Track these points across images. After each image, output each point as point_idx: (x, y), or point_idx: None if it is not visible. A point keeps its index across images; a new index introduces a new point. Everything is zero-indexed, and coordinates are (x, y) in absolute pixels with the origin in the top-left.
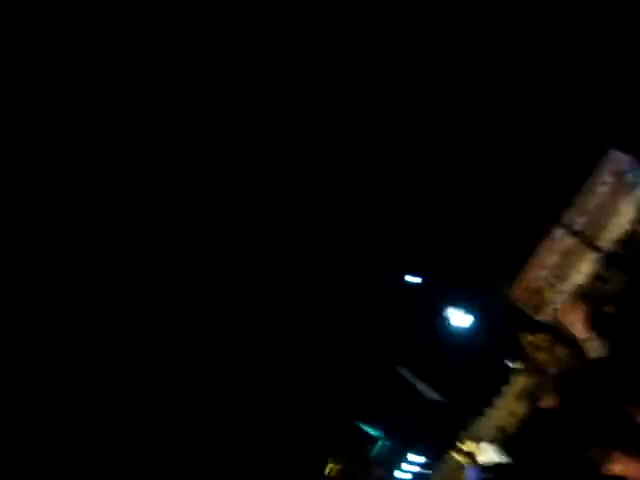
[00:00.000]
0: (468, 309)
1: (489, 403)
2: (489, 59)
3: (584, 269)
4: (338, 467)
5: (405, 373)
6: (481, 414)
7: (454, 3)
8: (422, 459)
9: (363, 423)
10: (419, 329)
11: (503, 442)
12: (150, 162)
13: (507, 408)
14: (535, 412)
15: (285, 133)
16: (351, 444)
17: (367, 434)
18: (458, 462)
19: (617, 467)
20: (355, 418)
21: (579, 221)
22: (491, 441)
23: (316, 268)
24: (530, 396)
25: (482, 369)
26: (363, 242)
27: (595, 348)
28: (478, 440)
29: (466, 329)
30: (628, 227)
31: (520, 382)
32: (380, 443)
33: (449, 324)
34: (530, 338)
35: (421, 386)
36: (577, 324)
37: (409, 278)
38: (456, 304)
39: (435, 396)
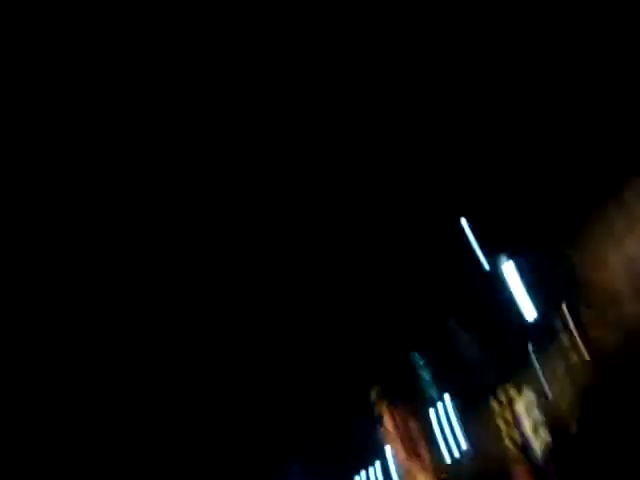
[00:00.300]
0: (524, 265)
1: (536, 360)
2: None
3: None
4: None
5: (452, 324)
6: (525, 370)
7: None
8: (455, 403)
9: (413, 353)
10: (471, 280)
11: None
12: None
13: (550, 369)
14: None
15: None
16: (399, 372)
17: (415, 364)
18: (494, 409)
19: None
20: (404, 347)
21: None
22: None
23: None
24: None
25: (532, 328)
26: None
27: None
28: (520, 389)
29: (521, 285)
30: None
31: (567, 350)
32: (426, 374)
33: (503, 279)
34: (586, 312)
35: (466, 338)
36: None
37: (464, 223)
38: (513, 258)
39: (476, 351)
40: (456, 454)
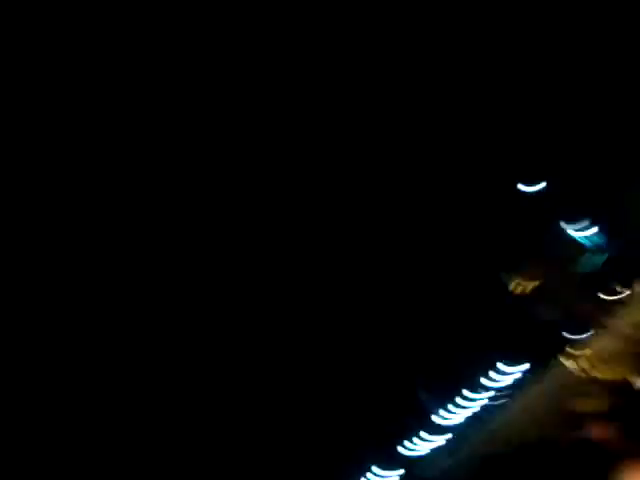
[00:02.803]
0: (591, 226)
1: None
2: None
3: None
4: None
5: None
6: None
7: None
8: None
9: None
10: (535, 242)
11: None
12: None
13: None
14: None
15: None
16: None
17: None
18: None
19: None
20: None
21: None
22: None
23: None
24: None
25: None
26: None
27: None
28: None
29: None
30: None
31: None
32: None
33: (568, 240)
34: None
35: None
36: None
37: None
38: (578, 219)
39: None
40: None
